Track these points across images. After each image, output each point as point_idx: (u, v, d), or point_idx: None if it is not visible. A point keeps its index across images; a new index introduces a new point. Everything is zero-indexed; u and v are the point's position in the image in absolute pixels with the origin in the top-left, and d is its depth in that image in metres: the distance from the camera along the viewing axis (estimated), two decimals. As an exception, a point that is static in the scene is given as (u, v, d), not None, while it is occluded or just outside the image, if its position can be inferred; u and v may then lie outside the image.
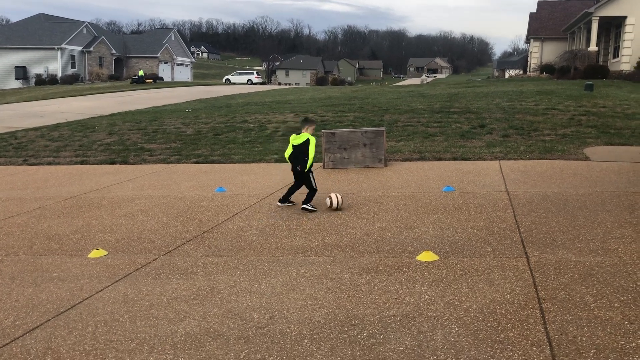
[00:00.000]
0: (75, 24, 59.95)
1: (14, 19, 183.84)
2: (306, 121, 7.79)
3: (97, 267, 5.57)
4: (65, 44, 55.97)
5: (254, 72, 67.89)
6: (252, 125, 16.47)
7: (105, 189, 9.63)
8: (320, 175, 9.96)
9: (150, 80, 51.25)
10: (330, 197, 7.42)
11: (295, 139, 7.60)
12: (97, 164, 12.64)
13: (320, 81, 79.04)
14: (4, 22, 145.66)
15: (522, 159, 10.55)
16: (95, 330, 4.11)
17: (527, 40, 47.34)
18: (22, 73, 55.19)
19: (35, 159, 13.50)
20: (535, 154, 10.81)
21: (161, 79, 59.35)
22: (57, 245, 6.41)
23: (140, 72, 54.51)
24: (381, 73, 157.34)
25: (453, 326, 3.85)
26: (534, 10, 47.37)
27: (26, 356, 3.76)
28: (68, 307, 4.56)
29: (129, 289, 4.91)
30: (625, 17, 31.91)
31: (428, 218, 6.75)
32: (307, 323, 4.03)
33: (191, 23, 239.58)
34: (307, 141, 7.48)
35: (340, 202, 7.37)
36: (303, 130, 7.62)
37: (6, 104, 30.23)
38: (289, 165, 7.90)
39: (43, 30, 57.29)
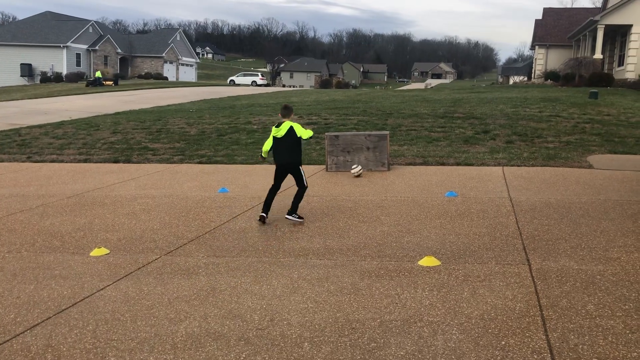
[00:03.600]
0: (81, 22, 60.15)
1: (21, 16, 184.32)
2: (286, 109, 7.00)
3: (98, 265, 5.58)
4: (71, 42, 56.13)
5: (259, 73, 67.80)
6: (255, 126, 16.48)
7: (108, 188, 9.64)
8: (322, 178, 9.97)
9: (110, 82, 43.40)
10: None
11: (277, 131, 6.82)
12: (100, 162, 12.66)
13: (324, 84, 79.06)
14: (11, 20, 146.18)
15: (525, 165, 10.54)
16: (96, 328, 4.11)
17: (532, 47, 47.32)
18: (27, 70, 55.27)
19: (39, 156, 13.53)
20: (539, 161, 10.81)
21: (164, 77, 59.33)
22: (59, 242, 6.42)
23: (98, 73, 46.17)
24: (385, 77, 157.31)
25: (454, 332, 3.84)
26: (540, 17, 47.36)
27: (26, 353, 3.76)
28: (69, 305, 4.56)
29: (130, 288, 4.91)
30: (631, 26, 31.88)
31: (430, 223, 6.74)
32: (307, 326, 4.03)
33: (197, 23, 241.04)
34: (291, 129, 6.76)
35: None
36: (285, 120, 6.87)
37: (11, 100, 30.30)
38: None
39: (49, 28, 57.47)
